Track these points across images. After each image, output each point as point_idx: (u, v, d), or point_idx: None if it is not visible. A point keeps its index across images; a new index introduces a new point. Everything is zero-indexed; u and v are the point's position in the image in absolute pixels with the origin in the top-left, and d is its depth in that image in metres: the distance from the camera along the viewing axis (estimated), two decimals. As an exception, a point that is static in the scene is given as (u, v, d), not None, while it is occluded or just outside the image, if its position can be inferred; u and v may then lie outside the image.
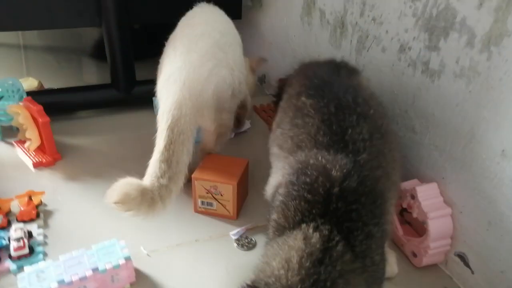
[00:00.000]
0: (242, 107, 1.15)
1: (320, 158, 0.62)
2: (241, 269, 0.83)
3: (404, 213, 0.90)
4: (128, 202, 0.75)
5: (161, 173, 0.82)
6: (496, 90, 0.69)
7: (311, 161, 0.63)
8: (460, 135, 0.77)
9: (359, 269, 0.56)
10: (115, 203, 0.75)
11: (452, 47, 0.77)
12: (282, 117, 0.80)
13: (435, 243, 0.81)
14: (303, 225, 0.57)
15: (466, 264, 0.80)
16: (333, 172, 0.60)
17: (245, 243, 0.89)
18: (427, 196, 0.82)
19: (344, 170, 0.60)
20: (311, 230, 0.56)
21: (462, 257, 0.81)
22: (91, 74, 1.81)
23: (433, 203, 0.82)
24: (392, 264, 0.82)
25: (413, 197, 0.83)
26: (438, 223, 0.80)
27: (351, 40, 1.05)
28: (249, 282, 0.56)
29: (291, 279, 0.53)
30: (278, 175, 0.71)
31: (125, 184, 0.76)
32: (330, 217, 0.57)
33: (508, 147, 0.68)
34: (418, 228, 0.88)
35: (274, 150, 0.76)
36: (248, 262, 0.84)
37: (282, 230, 0.60)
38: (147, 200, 0.77)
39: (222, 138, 1.04)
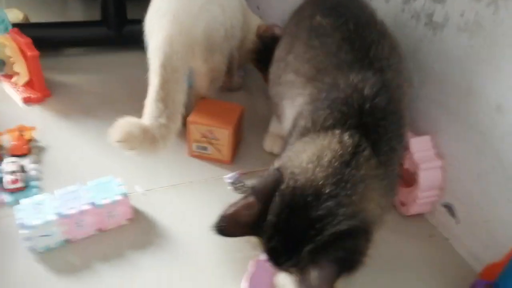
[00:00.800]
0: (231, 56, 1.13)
1: (350, 78, 0.65)
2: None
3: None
4: (131, 140, 0.75)
5: (159, 112, 0.81)
6: (498, 45, 0.70)
7: (341, 82, 0.65)
8: (458, 89, 0.78)
9: (381, 175, 0.60)
10: (118, 141, 0.75)
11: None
12: (290, 43, 0.79)
13: (424, 193, 0.84)
14: (337, 131, 0.61)
15: (452, 214, 0.84)
16: (365, 90, 0.63)
17: (239, 186, 0.90)
18: (419, 148, 0.84)
19: (374, 89, 0.63)
20: (346, 136, 0.60)
21: (449, 208, 0.84)
22: (76, 11, 1.73)
23: (425, 155, 0.84)
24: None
25: (406, 148, 0.85)
26: (428, 174, 0.83)
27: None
28: (277, 166, 0.60)
29: (317, 174, 0.56)
30: (295, 106, 0.72)
31: (127, 123, 0.76)
32: (360, 129, 0.61)
33: (504, 102, 0.70)
34: (408, 179, 0.91)
35: (288, 77, 0.76)
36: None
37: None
38: (149, 138, 0.78)
39: (215, 83, 1.03)
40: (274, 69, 0.84)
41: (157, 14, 0.89)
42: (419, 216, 0.89)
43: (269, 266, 0.60)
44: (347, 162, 0.58)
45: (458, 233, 0.83)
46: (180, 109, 0.85)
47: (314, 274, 0.53)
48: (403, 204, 0.88)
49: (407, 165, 0.86)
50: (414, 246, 0.83)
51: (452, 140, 0.81)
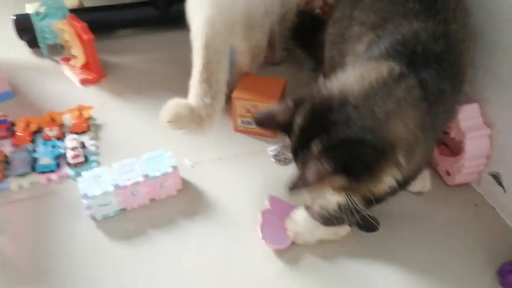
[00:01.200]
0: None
1: (414, 25, 0.67)
2: (278, 182, 0.88)
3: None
4: (180, 120, 0.80)
5: (203, 93, 0.85)
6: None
7: (404, 27, 0.67)
8: (509, 54, 0.75)
9: (422, 108, 0.60)
10: (168, 122, 0.80)
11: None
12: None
13: (470, 162, 0.82)
14: (391, 62, 0.62)
15: (499, 183, 0.82)
16: (423, 36, 0.65)
17: (282, 158, 0.93)
18: (466, 117, 0.82)
19: (432, 36, 0.65)
20: (395, 65, 0.61)
21: (496, 177, 0.82)
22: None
23: (472, 123, 0.82)
24: (425, 180, 0.85)
25: (452, 116, 0.83)
26: (475, 143, 0.81)
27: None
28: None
29: (353, 87, 0.60)
30: (357, 55, 0.74)
31: (176, 104, 0.81)
32: (412, 67, 0.62)
33: (557, 66, 0.67)
34: (454, 149, 0.89)
35: (354, 31, 0.77)
36: (284, 176, 0.89)
37: None
38: (197, 118, 0.82)
39: (257, 59, 1.05)
40: (335, 29, 0.86)
41: None
42: (465, 185, 0.88)
43: (278, 212, 0.74)
44: (387, 83, 0.60)
45: (505, 202, 0.81)
46: (223, 88, 0.87)
47: (311, 167, 0.57)
48: (448, 173, 0.87)
49: (453, 134, 0.84)
50: (460, 216, 0.82)
51: (501, 108, 0.79)
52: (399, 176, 0.61)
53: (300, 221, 0.76)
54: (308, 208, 0.76)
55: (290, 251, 0.75)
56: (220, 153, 0.95)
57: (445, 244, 0.77)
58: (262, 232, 0.76)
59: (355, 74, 0.62)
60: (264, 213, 0.79)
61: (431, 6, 0.69)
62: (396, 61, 0.62)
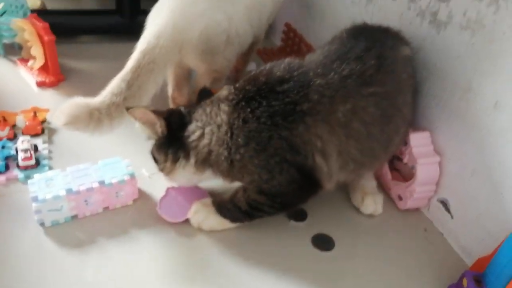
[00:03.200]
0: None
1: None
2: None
3: (394, 161, 0.95)
4: (75, 123, 0.79)
5: (118, 91, 0.84)
6: (497, 43, 0.72)
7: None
8: (458, 87, 0.80)
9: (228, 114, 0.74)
10: (64, 124, 0.78)
11: (462, -1, 0.78)
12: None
13: (421, 187, 0.86)
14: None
15: (447, 209, 0.86)
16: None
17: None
18: (419, 143, 0.86)
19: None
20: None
21: (444, 203, 0.86)
22: (90, 1, 1.77)
23: (424, 150, 0.86)
24: (378, 204, 0.88)
25: (406, 143, 0.87)
26: (426, 169, 0.85)
27: (362, -14, 1.05)
28: None
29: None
30: None
31: (73, 105, 0.79)
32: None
33: (501, 99, 0.72)
34: (406, 175, 0.93)
35: None
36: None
37: None
38: (95, 119, 0.80)
39: (217, 82, 1.04)
40: None
41: (157, 11, 0.93)
42: (416, 211, 0.91)
43: (182, 191, 0.85)
44: (212, 100, 0.77)
45: (452, 228, 0.85)
46: (143, 98, 0.87)
47: None
48: (400, 198, 0.90)
49: (406, 160, 0.88)
50: (409, 240, 0.85)
51: (451, 137, 0.83)
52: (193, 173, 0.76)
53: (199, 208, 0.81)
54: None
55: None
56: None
57: (394, 266, 0.79)
58: (160, 203, 0.82)
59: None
60: (169, 189, 0.85)
61: (336, 58, 0.76)
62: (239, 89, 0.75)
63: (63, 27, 1.29)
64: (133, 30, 1.36)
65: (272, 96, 0.72)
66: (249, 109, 0.71)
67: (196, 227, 0.80)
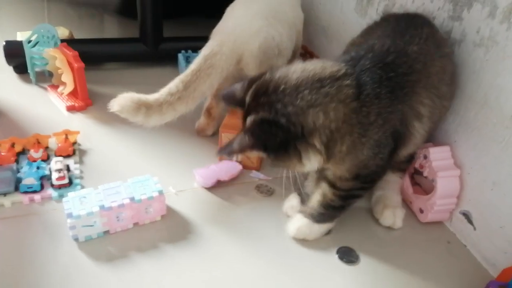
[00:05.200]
0: None
1: (379, 40, 0.79)
2: (258, 211, 0.91)
3: (415, 176, 0.97)
4: (122, 112, 0.88)
5: (174, 90, 0.92)
6: (511, 59, 0.74)
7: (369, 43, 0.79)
8: (474, 101, 0.83)
9: (352, 107, 0.70)
10: (115, 111, 0.88)
11: (474, 17, 0.81)
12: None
13: (442, 200, 0.87)
14: (343, 64, 0.74)
15: (470, 221, 0.87)
16: (376, 47, 0.77)
17: (264, 190, 0.96)
18: (438, 157, 0.88)
19: (383, 48, 0.76)
20: (335, 65, 0.73)
21: (466, 215, 0.87)
22: (113, 30, 1.85)
23: (444, 164, 0.88)
24: (397, 217, 0.90)
25: (426, 157, 0.89)
26: (446, 181, 0.87)
27: (377, 8, 1.10)
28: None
29: (290, 76, 0.71)
30: None
31: (126, 98, 0.88)
32: (357, 69, 0.73)
33: (518, 112, 0.74)
34: (427, 188, 0.95)
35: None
36: (265, 205, 0.93)
37: None
38: (142, 114, 0.88)
39: None
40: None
41: (220, 28, 1.02)
42: (438, 224, 0.92)
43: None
44: (323, 79, 0.69)
45: (475, 239, 0.86)
46: (197, 100, 0.94)
47: (238, 138, 0.70)
48: (421, 211, 0.92)
49: (426, 173, 0.90)
50: (432, 253, 0.86)
51: (469, 150, 0.85)
52: (321, 161, 0.72)
53: (299, 223, 0.84)
54: (302, 211, 0.85)
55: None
56: (204, 182, 0.97)
57: (419, 279, 0.80)
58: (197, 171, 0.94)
59: (300, 66, 0.72)
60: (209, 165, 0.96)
61: (401, 31, 0.80)
62: (348, 64, 0.72)
63: (90, 55, 1.35)
64: (156, 57, 1.44)
65: (387, 68, 0.73)
66: (373, 83, 0.70)
67: (302, 238, 0.84)
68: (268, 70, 0.74)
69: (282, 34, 1.05)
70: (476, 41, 0.81)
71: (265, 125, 0.69)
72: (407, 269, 0.81)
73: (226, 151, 0.72)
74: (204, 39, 1.00)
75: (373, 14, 1.11)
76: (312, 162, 0.73)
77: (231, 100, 0.78)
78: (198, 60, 0.95)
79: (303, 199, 0.89)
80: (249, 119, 0.71)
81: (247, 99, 0.73)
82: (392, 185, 0.93)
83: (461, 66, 0.85)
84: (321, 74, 0.70)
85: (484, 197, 0.82)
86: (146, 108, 0.89)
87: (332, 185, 0.80)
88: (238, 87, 0.76)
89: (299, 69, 0.72)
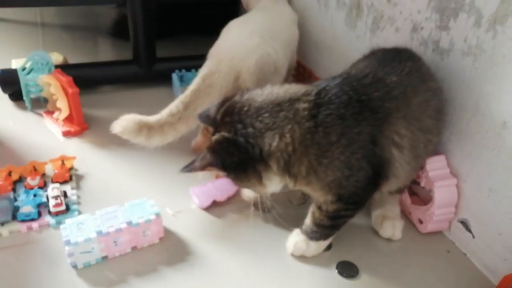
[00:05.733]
0: None
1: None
2: (257, 228, 0.91)
3: (412, 186, 0.97)
4: (124, 133, 0.90)
5: (175, 111, 0.93)
6: (499, 66, 0.75)
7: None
8: (465, 110, 0.83)
9: (305, 126, 0.71)
10: (116, 132, 0.89)
11: (461, 27, 0.82)
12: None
13: (440, 210, 0.87)
14: (313, 87, 0.76)
15: (468, 229, 0.86)
16: (353, 71, 0.81)
17: (262, 207, 0.96)
18: (434, 167, 0.88)
19: (362, 73, 0.78)
20: (298, 87, 0.76)
21: (464, 223, 0.87)
22: (107, 52, 1.87)
23: (440, 173, 0.88)
24: (396, 229, 0.90)
25: (422, 168, 0.89)
26: (443, 191, 0.87)
27: (366, 21, 1.11)
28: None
29: (255, 99, 0.74)
30: None
31: (128, 119, 0.90)
32: (325, 91, 0.74)
33: (509, 119, 0.74)
34: (425, 198, 0.95)
35: None
36: (264, 223, 0.93)
37: None
38: (143, 135, 0.90)
39: None
40: None
41: (217, 48, 1.04)
42: (437, 233, 0.92)
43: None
44: (281, 103, 0.72)
45: (474, 247, 0.85)
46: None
47: (202, 156, 0.73)
48: (420, 222, 0.91)
49: (423, 183, 0.90)
50: (433, 262, 0.86)
51: (464, 158, 0.85)
52: (284, 182, 0.75)
53: (296, 238, 0.85)
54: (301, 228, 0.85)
55: None
56: (201, 202, 0.97)
57: (420, 289, 0.80)
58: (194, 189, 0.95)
59: (269, 90, 0.75)
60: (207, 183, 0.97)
61: (386, 63, 0.80)
62: (317, 87, 0.74)
63: (84, 79, 1.35)
64: (150, 78, 1.45)
65: (360, 90, 0.74)
66: (339, 104, 0.71)
67: (299, 255, 0.84)
68: (239, 92, 0.77)
69: (278, 52, 1.07)
70: (464, 50, 0.82)
71: (224, 144, 0.72)
72: (408, 281, 0.81)
73: (188, 168, 0.75)
74: (198, 58, 1.02)
75: (362, 27, 1.12)
76: (273, 183, 0.75)
77: (205, 119, 0.80)
78: (196, 80, 0.96)
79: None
80: (213, 138, 0.74)
81: (217, 117, 0.76)
82: (391, 197, 0.93)
83: (451, 75, 0.86)
84: (282, 97, 0.73)
85: (481, 204, 0.82)
86: (148, 129, 0.90)
87: (318, 206, 0.80)
88: (213, 107, 0.78)
89: (266, 92, 0.74)
